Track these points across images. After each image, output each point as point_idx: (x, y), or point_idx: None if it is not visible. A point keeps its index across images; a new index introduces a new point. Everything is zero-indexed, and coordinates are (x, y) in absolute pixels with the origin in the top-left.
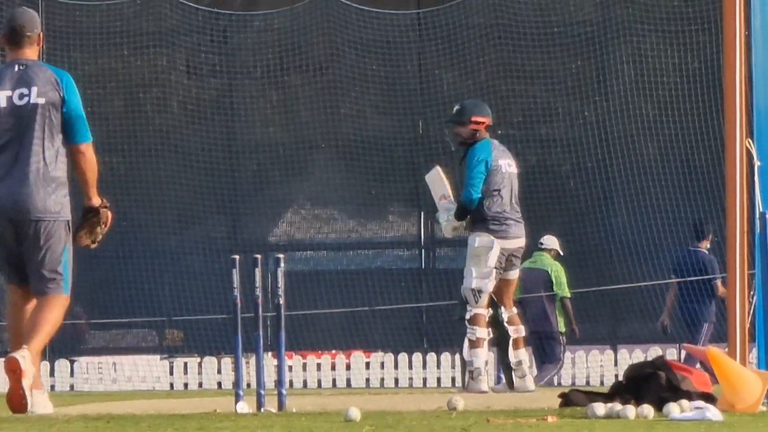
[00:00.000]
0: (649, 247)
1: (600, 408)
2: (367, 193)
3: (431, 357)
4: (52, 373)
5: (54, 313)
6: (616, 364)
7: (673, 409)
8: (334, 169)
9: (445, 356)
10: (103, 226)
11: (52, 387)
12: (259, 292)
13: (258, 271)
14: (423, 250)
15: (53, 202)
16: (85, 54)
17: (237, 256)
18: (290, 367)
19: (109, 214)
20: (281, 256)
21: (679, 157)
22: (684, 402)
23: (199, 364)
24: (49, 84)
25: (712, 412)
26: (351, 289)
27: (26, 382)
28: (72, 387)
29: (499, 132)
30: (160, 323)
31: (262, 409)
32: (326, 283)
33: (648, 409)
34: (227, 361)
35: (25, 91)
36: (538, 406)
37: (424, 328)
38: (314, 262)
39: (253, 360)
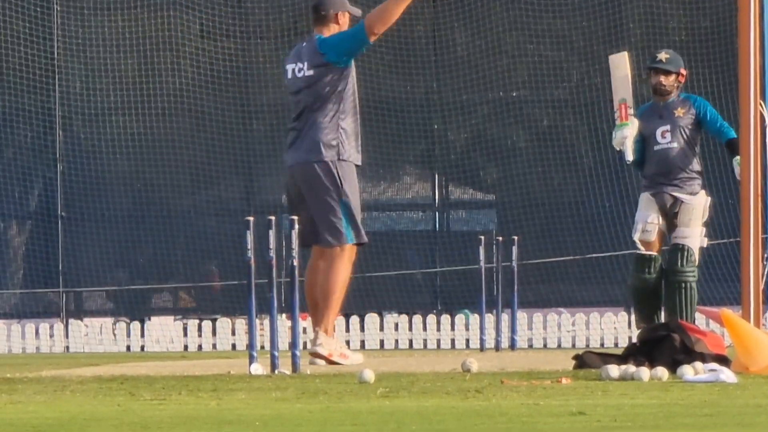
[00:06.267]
0: None
1: (614, 370)
2: (380, 155)
3: (445, 318)
4: (66, 335)
5: (336, 274)
6: (630, 326)
7: (687, 371)
8: None
9: (459, 318)
10: None
11: (67, 348)
12: (272, 253)
13: (272, 233)
14: (437, 213)
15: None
16: (98, 15)
17: (251, 218)
18: (304, 329)
19: None
20: (295, 217)
21: None
22: (698, 364)
23: (213, 326)
24: (314, 54)
25: (726, 375)
26: (364, 250)
27: (326, 353)
28: (84, 348)
29: (513, 94)
30: (174, 287)
31: (276, 371)
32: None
33: (662, 372)
34: (241, 323)
35: (300, 65)
36: (552, 368)
37: (438, 290)
38: None
39: (267, 321)
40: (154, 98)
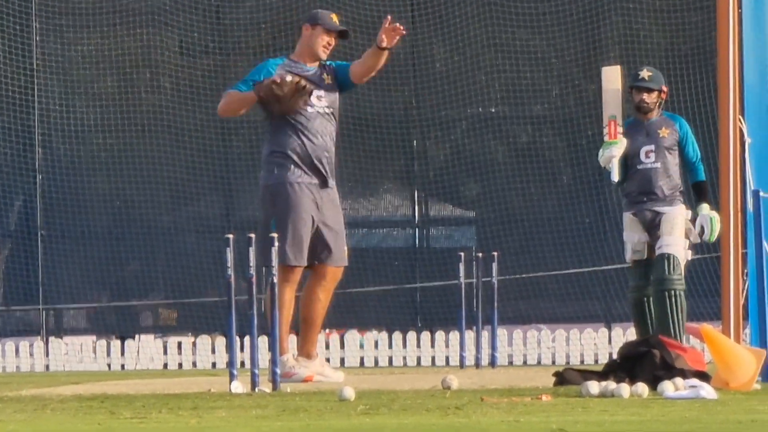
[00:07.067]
0: None
1: (594, 386)
2: (360, 172)
3: (425, 336)
4: (47, 353)
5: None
6: (610, 342)
7: (668, 387)
8: None
9: (440, 335)
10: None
11: (47, 367)
12: (252, 271)
13: (252, 250)
14: (417, 229)
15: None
16: (78, 34)
17: (231, 235)
18: None
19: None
20: (275, 235)
21: None
22: (678, 380)
23: (193, 344)
24: None
25: (707, 391)
26: (345, 267)
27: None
28: (64, 366)
29: (492, 110)
30: (154, 304)
31: (257, 389)
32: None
33: (642, 388)
34: (221, 341)
35: None
36: (532, 385)
37: (418, 307)
38: None
39: (247, 339)
40: (133, 115)
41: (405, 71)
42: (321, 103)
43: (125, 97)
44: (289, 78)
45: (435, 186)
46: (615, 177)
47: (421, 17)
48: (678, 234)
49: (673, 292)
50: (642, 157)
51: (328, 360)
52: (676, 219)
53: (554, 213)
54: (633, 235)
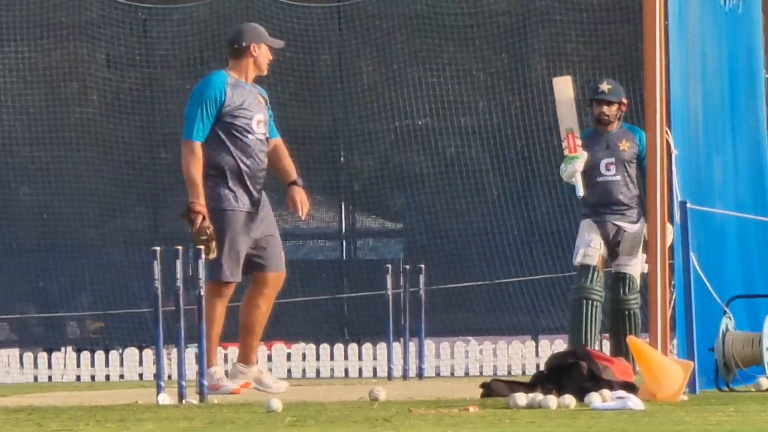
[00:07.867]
0: (569, 237)
1: (521, 398)
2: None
3: (352, 348)
4: None
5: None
6: (537, 354)
7: (595, 398)
8: None
9: (367, 347)
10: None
11: None
12: (180, 283)
13: (179, 263)
14: (344, 241)
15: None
16: (5, 47)
17: (158, 248)
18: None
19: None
20: (202, 247)
21: None
22: (605, 391)
23: (121, 356)
24: None
25: (634, 402)
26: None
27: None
28: None
29: (419, 122)
30: (81, 315)
31: (184, 401)
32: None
33: (569, 399)
34: (148, 353)
35: None
36: (459, 397)
37: (345, 319)
38: None
39: (174, 351)
40: (61, 128)
41: (332, 84)
42: (260, 129)
43: (53, 109)
44: (203, 237)
45: (362, 198)
46: (580, 192)
47: (348, 30)
48: (637, 253)
49: (629, 312)
50: (602, 169)
51: None
52: (637, 238)
53: (482, 225)
54: (588, 239)
